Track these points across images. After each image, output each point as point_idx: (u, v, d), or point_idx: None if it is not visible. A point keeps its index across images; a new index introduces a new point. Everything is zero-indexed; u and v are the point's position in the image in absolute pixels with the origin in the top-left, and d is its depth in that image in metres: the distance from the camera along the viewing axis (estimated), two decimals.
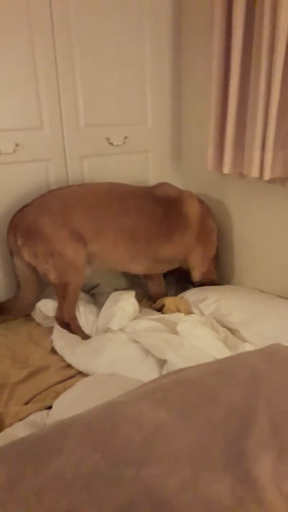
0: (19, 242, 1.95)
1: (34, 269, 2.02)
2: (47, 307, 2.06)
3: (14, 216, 2.01)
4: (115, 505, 0.76)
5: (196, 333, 1.79)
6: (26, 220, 1.95)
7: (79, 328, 2.03)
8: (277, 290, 2.14)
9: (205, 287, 2.27)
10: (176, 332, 1.82)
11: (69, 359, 1.80)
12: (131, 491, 0.79)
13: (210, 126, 2.11)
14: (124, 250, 2.09)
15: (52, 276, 1.96)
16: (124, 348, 1.75)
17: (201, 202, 2.27)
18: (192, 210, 2.20)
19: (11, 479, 0.82)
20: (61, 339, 1.90)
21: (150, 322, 1.92)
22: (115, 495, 0.78)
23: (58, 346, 1.87)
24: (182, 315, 1.99)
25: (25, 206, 2.00)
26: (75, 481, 0.81)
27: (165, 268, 2.33)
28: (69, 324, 2.01)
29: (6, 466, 0.85)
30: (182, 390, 1.04)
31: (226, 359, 1.19)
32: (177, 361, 1.62)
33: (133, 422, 0.94)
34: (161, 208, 2.12)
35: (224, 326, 1.95)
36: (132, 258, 2.12)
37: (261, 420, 0.92)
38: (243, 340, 1.84)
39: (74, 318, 2.03)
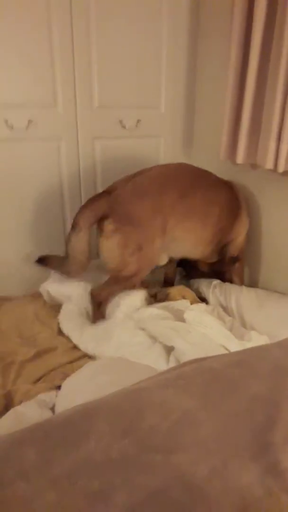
0: (110, 226, 1.80)
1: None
2: (54, 288, 2.04)
3: (100, 197, 1.84)
4: (147, 490, 0.77)
5: (204, 321, 1.80)
6: (123, 205, 1.80)
7: (104, 312, 1.98)
8: (286, 285, 2.15)
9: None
10: (182, 320, 1.84)
11: (77, 341, 1.80)
12: (163, 476, 0.80)
13: (225, 114, 2.09)
14: (195, 237, 2.02)
15: (129, 270, 1.86)
16: (131, 334, 1.77)
17: None
18: (241, 194, 2.19)
19: (42, 460, 0.83)
20: (69, 321, 1.89)
21: (157, 310, 1.92)
22: (146, 480, 0.79)
23: (66, 328, 1.87)
24: (188, 303, 2.00)
25: (109, 190, 1.85)
26: (105, 465, 0.82)
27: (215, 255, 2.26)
28: (101, 304, 1.97)
29: (35, 448, 0.85)
30: (205, 379, 1.05)
31: (246, 350, 1.20)
32: (185, 347, 1.64)
33: (158, 408, 0.95)
34: (223, 193, 2.10)
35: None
36: (199, 245, 2.07)
37: (285, 412, 0.93)
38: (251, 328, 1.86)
39: (108, 302, 1.98)
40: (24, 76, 1.96)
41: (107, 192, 1.85)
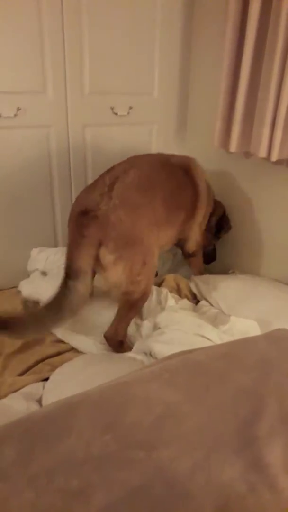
0: (110, 257, 1.55)
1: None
2: (27, 290, 1.99)
3: (88, 224, 1.53)
4: (127, 487, 0.76)
5: (174, 319, 1.76)
6: (120, 227, 1.54)
7: (129, 347, 1.75)
8: (279, 272, 2.14)
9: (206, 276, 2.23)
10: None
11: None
12: (143, 473, 0.78)
13: (219, 100, 2.04)
14: (172, 232, 1.90)
15: (140, 289, 1.65)
16: None
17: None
18: (199, 176, 2.03)
19: (21, 457, 0.81)
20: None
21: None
22: (126, 477, 0.77)
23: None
24: (172, 299, 1.95)
25: (90, 211, 1.55)
26: (86, 462, 0.80)
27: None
28: (123, 342, 1.73)
29: (15, 444, 0.84)
30: (190, 372, 1.03)
31: (233, 343, 1.18)
32: (162, 348, 1.59)
33: (142, 403, 0.93)
34: (188, 188, 1.95)
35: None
36: (175, 238, 1.97)
37: (271, 406, 0.92)
38: None
39: (126, 335, 1.75)
40: (12, 61, 1.90)
41: (92, 216, 1.54)
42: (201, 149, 2.39)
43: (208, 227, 2.18)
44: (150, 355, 1.62)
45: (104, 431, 0.86)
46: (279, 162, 1.97)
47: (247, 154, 2.14)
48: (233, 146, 2.04)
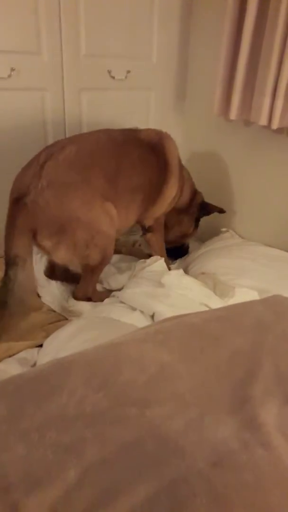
0: (48, 243, 1.55)
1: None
2: None
3: (18, 213, 1.50)
4: (119, 443, 0.75)
5: (182, 283, 1.74)
6: (50, 212, 1.50)
7: (101, 293, 1.85)
8: (277, 241, 2.11)
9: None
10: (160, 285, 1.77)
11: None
12: (136, 429, 0.77)
13: (220, 67, 1.98)
14: (133, 210, 1.83)
15: (95, 258, 1.66)
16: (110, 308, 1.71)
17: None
18: (171, 153, 1.92)
19: (11, 413, 0.80)
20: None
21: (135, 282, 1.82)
22: (119, 433, 0.77)
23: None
24: (163, 264, 1.93)
25: (22, 196, 1.49)
26: (77, 418, 0.79)
27: None
28: (91, 298, 1.80)
29: (5, 401, 0.83)
30: (184, 333, 1.02)
31: (229, 307, 1.17)
32: (165, 310, 1.58)
33: (135, 362, 0.92)
34: (152, 155, 1.85)
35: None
36: (138, 217, 1.90)
37: (266, 367, 0.91)
38: None
39: (96, 291, 1.83)
40: (5, 20, 1.81)
41: (22, 203, 1.50)
42: (200, 116, 2.34)
43: (190, 213, 2.15)
44: (151, 317, 1.61)
45: (97, 389, 0.85)
46: (279, 130, 1.93)
47: (247, 122, 2.09)
48: (233, 114, 2.00)
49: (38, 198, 1.48)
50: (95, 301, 1.80)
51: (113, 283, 1.94)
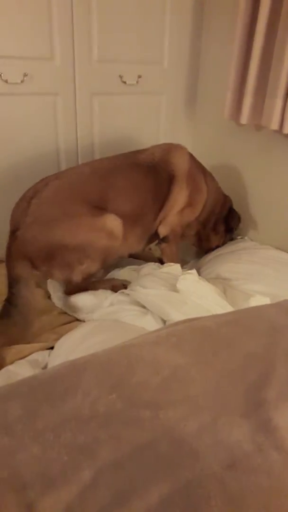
0: (43, 268, 1.68)
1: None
2: None
3: (12, 244, 1.66)
4: (133, 444, 0.75)
5: (198, 291, 1.73)
6: (37, 244, 1.63)
7: (94, 282, 1.88)
8: None
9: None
10: (175, 288, 1.77)
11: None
12: (149, 431, 0.78)
13: (231, 70, 1.99)
14: (138, 227, 1.89)
15: (94, 266, 1.75)
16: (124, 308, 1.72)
17: (192, 157, 2.04)
18: (180, 164, 1.96)
19: (27, 413, 0.80)
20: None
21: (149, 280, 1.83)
22: (133, 434, 0.77)
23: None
24: (179, 268, 1.93)
25: (15, 229, 1.66)
26: (92, 419, 0.79)
27: None
28: (87, 288, 1.85)
29: (20, 402, 0.83)
30: (197, 336, 1.02)
31: (241, 310, 1.17)
32: (180, 318, 1.57)
33: (149, 365, 0.92)
34: (149, 176, 1.89)
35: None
36: (134, 240, 1.93)
37: (279, 370, 0.91)
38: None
39: (89, 285, 1.87)
40: (19, 26, 1.84)
41: (15, 235, 1.66)
42: (211, 121, 2.35)
43: (214, 227, 2.18)
44: (163, 321, 1.62)
45: (110, 391, 0.85)
46: None
47: (258, 127, 2.09)
48: (244, 118, 2.00)
49: (26, 232, 1.64)
50: (91, 288, 1.84)
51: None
